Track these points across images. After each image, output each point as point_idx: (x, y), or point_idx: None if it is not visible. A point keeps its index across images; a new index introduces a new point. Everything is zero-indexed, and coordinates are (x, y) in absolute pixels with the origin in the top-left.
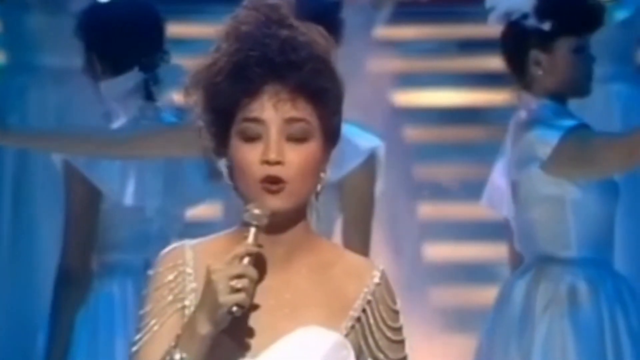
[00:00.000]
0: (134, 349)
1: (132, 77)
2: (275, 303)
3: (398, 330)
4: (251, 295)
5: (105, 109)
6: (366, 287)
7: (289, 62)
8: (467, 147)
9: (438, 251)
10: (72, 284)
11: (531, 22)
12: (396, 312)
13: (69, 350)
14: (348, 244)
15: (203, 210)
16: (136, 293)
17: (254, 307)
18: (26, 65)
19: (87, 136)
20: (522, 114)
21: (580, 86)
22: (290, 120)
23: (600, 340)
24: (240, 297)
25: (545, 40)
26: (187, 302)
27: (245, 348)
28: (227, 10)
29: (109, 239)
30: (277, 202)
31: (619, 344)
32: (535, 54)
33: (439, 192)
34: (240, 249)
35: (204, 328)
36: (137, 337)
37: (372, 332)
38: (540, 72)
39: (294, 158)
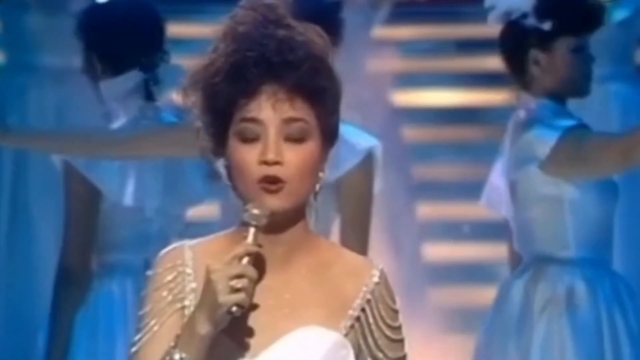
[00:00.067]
0: (134, 349)
1: (132, 77)
2: (275, 303)
3: (397, 329)
4: (251, 295)
5: (105, 109)
6: (365, 286)
7: (286, 62)
8: (466, 147)
9: (437, 251)
10: (72, 283)
11: (531, 21)
12: (395, 311)
13: (69, 350)
14: (346, 243)
15: (201, 211)
16: (136, 293)
17: (254, 307)
18: (25, 65)
19: (87, 136)
20: (521, 114)
21: (579, 86)
22: (289, 120)
23: (598, 340)
24: (240, 297)
25: (544, 40)
26: (186, 303)
27: (245, 348)
28: (227, 10)
29: (109, 239)
30: (276, 202)
31: (618, 344)
32: (534, 53)
33: (438, 192)
34: (239, 249)
35: (204, 328)
36: (137, 337)
37: (371, 332)
38: (539, 72)
39: (293, 158)
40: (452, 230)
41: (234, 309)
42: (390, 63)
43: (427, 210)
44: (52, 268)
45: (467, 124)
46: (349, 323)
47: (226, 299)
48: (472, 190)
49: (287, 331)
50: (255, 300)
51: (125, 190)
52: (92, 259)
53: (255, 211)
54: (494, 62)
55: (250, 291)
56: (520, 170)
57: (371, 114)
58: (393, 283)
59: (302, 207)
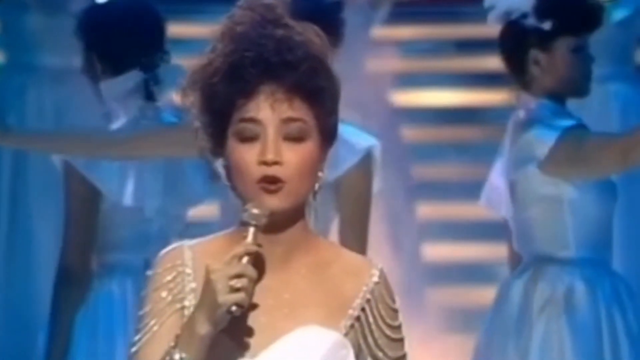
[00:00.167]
0: (134, 349)
1: (133, 77)
2: (274, 303)
3: (397, 328)
4: (250, 294)
5: (105, 109)
6: (365, 285)
7: (284, 62)
8: (465, 147)
9: (437, 251)
10: (72, 283)
11: (530, 21)
12: (395, 311)
13: (69, 350)
14: (345, 243)
15: (201, 211)
16: (136, 293)
17: (253, 306)
18: (25, 65)
19: (87, 137)
20: (521, 114)
21: (579, 86)
22: (287, 120)
23: (597, 340)
24: (240, 296)
25: (544, 40)
26: (186, 303)
27: (245, 348)
28: (227, 10)
29: (109, 239)
30: (276, 202)
31: (617, 344)
32: (534, 53)
33: (437, 192)
34: (239, 249)
35: (204, 328)
36: (137, 337)
37: (371, 331)
38: (539, 72)
39: (292, 158)
40: (451, 230)
41: (234, 308)
42: (390, 63)
43: (426, 210)
44: (52, 268)
45: (467, 124)
46: (348, 323)
47: (226, 298)
48: (471, 190)
49: (286, 331)
50: (255, 300)
51: (125, 190)
52: (92, 259)
53: (255, 211)
54: (494, 62)
55: (249, 291)
56: (520, 170)
57: (371, 114)
58: (393, 283)
59: (302, 207)
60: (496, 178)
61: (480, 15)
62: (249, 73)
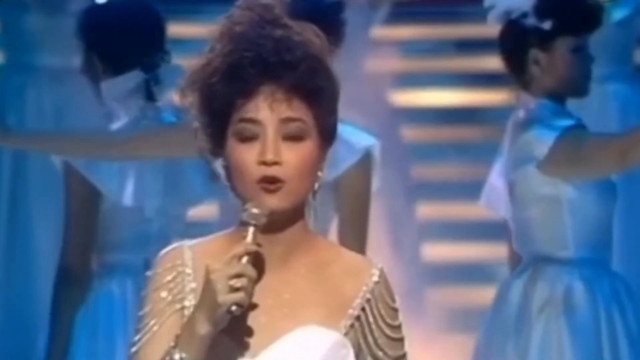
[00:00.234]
0: (134, 349)
1: (133, 77)
2: (274, 303)
3: (397, 327)
4: (250, 294)
5: (105, 110)
6: (365, 285)
7: (283, 62)
8: (465, 147)
9: (437, 251)
10: (72, 283)
11: (531, 21)
12: (395, 310)
13: (69, 350)
14: (344, 242)
15: (201, 211)
16: (136, 293)
17: (253, 306)
18: (24, 65)
19: (87, 138)
20: (521, 114)
21: (578, 86)
22: (286, 120)
23: (596, 340)
24: (239, 296)
25: (544, 39)
26: (186, 303)
27: (245, 348)
28: (227, 10)
29: (109, 239)
30: (275, 202)
31: (616, 344)
32: (534, 53)
33: (437, 192)
34: (239, 249)
35: (203, 328)
36: (137, 337)
37: (371, 331)
38: (539, 72)
39: (291, 158)
40: (451, 230)
41: (234, 308)
42: (389, 63)
43: (426, 210)
44: (52, 268)
45: (467, 124)
46: (348, 322)
47: (225, 298)
48: (471, 190)
49: (286, 331)
50: (255, 300)
51: (125, 190)
52: (92, 259)
53: (255, 210)
54: (494, 62)
55: (249, 290)
56: (519, 170)
57: (371, 113)
58: (392, 283)
59: (301, 207)
60: (496, 178)
61: (480, 15)
62: (248, 73)
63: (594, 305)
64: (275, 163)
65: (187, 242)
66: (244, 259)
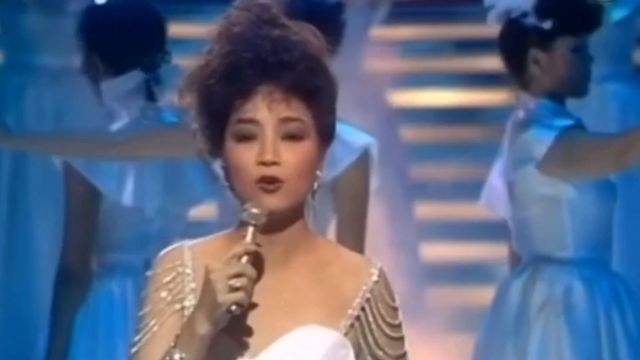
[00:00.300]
0: (134, 349)
1: (134, 77)
2: (274, 303)
3: (397, 327)
4: (250, 294)
5: (105, 110)
6: (365, 285)
7: (281, 62)
8: (465, 147)
9: (436, 251)
10: (72, 283)
11: (530, 20)
12: (395, 309)
13: (69, 350)
14: (342, 241)
15: (201, 211)
16: (136, 293)
17: (253, 306)
18: (24, 65)
19: (87, 138)
20: (520, 114)
21: (578, 86)
22: (285, 120)
23: (596, 340)
24: (239, 296)
25: (544, 39)
26: (186, 303)
27: (244, 347)
28: (226, 11)
29: (109, 239)
30: (275, 201)
31: (615, 344)
32: (534, 52)
33: (436, 192)
34: (238, 248)
35: (203, 328)
36: (137, 338)
37: (371, 330)
38: (539, 72)
39: (290, 157)
40: (451, 230)
41: (233, 308)
42: (389, 63)
43: (425, 210)
44: (52, 268)
45: (466, 124)
46: (348, 322)
47: (225, 298)
48: (471, 190)
49: (286, 331)
50: (255, 299)
51: (125, 190)
52: (92, 259)
53: (254, 210)
54: (493, 62)
55: (249, 290)
56: (518, 170)
57: (370, 113)
58: (392, 283)
59: (300, 207)
60: (495, 178)
61: (479, 15)
62: (246, 74)
63: (593, 305)
64: (274, 163)
65: (187, 242)
66: (244, 259)
